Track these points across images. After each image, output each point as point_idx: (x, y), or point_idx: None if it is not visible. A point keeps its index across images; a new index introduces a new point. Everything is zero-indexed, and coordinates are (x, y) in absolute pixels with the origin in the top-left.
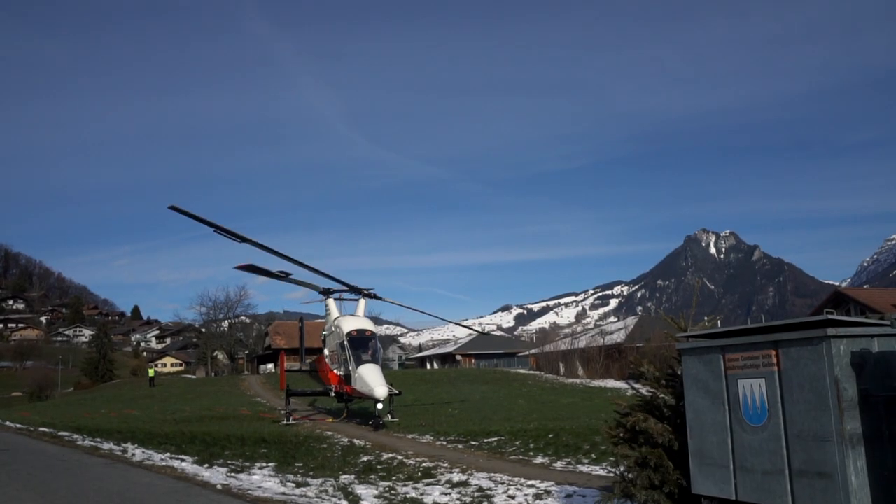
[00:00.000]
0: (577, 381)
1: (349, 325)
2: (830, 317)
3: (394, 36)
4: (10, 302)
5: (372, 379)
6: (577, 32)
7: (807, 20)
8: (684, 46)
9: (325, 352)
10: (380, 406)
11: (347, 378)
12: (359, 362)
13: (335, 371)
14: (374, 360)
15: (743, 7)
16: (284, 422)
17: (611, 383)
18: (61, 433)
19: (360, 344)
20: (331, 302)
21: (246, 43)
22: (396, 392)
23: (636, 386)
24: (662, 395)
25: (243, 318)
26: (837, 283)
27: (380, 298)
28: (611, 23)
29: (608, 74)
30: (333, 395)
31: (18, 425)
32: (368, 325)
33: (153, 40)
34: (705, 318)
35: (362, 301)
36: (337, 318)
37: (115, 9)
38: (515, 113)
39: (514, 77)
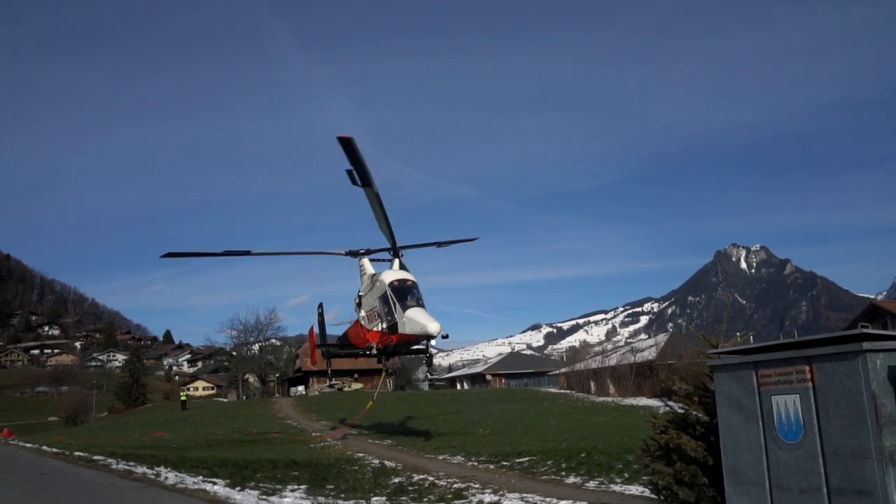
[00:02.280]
0: (609, 399)
1: (391, 275)
2: (865, 330)
3: (421, 56)
4: (46, 328)
5: (423, 317)
6: (604, 49)
7: (834, 31)
8: (711, 61)
9: (361, 313)
10: (433, 343)
11: (392, 328)
12: (405, 307)
13: (375, 329)
14: (419, 306)
15: (769, 20)
16: (328, 383)
17: (643, 401)
18: (96, 457)
19: (405, 291)
20: (366, 261)
21: (274, 67)
22: (445, 334)
23: (670, 403)
24: (695, 412)
25: (274, 340)
26: (873, 296)
27: (410, 247)
28: (637, 39)
29: (636, 91)
30: (374, 352)
31: (55, 450)
32: (410, 276)
33: (184, 68)
34: (737, 334)
35: (396, 261)
36: (374, 273)
37: (148, 38)
38: (544, 131)
39: (541, 95)
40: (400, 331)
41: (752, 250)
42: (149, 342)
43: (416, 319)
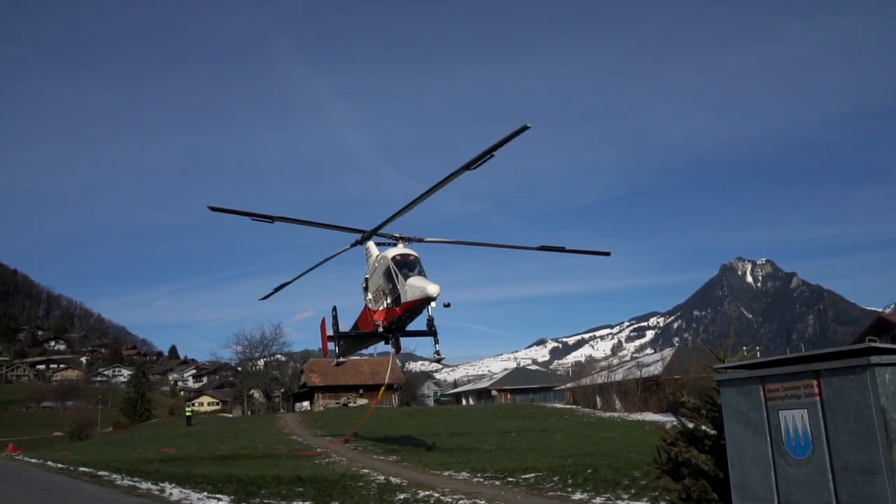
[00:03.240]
0: (615, 414)
1: (393, 251)
2: (873, 344)
3: (425, 71)
4: (53, 343)
5: (422, 282)
6: (609, 62)
7: (839, 43)
8: (718, 73)
9: (368, 296)
10: (433, 305)
11: (397, 300)
12: (406, 277)
13: (381, 307)
14: (421, 275)
15: (776, 31)
16: (335, 362)
17: (649, 416)
18: (100, 473)
19: (407, 264)
20: (371, 244)
21: (278, 80)
22: (447, 303)
23: (680, 418)
24: (703, 427)
25: (279, 356)
26: (880, 310)
27: (420, 240)
28: (643, 51)
29: (641, 103)
30: (381, 330)
31: (59, 465)
32: (413, 251)
33: (191, 85)
34: (744, 348)
35: (400, 244)
36: (378, 254)
37: (155, 52)
38: (549, 145)
39: (546, 109)
40: (402, 300)
41: (758, 264)
42: (154, 357)
43: (416, 285)
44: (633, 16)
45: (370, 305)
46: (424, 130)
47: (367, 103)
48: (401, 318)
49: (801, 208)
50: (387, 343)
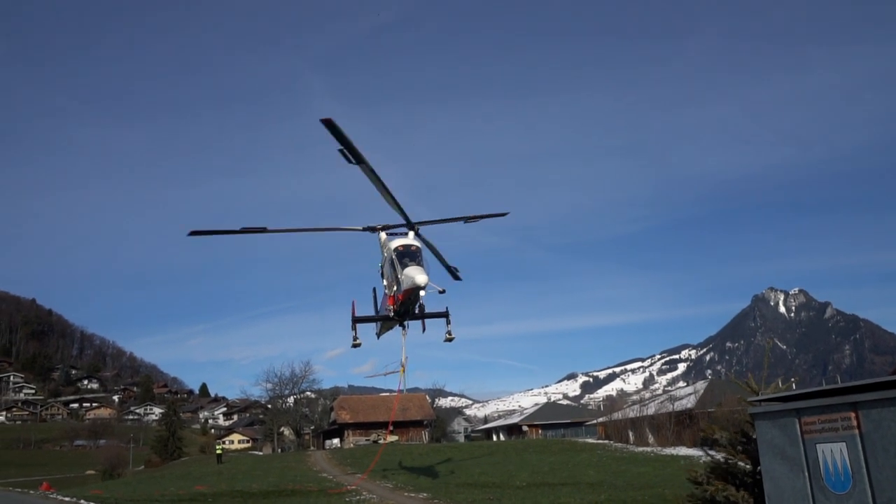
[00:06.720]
0: (648, 449)
1: (396, 241)
2: None
3: (453, 110)
4: (86, 382)
5: (414, 271)
6: (637, 95)
7: (869, 70)
8: (746, 104)
9: (383, 283)
10: (422, 294)
11: (398, 287)
12: (405, 267)
13: (391, 294)
14: (418, 265)
15: (804, 61)
16: (352, 343)
17: (683, 451)
18: None
19: (407, 254)
20: (383, 234)
21: (310, 122)
22: (440, 289)
23: (711, 452)
24: (738, 462)
25: (308, 393)
26: None
27: (431, 222)
28: (671, 83)
29: (671, 135)
30: (392, 315)
31: (92, 503)
32: (415, 242)
33: (227, 125)
34: (778, 380)
35: (410, 233)
36: (386, 243)
37: (188, 95)
38: (579, 178)
39: (576, 141)
40: (401, 288)
41: (791, 294)
42: (185, 395)
43: (408, 274)
44: (660, 49)
45: (385, 291)
46: (453, 170)
47: (398, 146)
48: (404, 304)
49: (834, 237)
50: (401, 326)
